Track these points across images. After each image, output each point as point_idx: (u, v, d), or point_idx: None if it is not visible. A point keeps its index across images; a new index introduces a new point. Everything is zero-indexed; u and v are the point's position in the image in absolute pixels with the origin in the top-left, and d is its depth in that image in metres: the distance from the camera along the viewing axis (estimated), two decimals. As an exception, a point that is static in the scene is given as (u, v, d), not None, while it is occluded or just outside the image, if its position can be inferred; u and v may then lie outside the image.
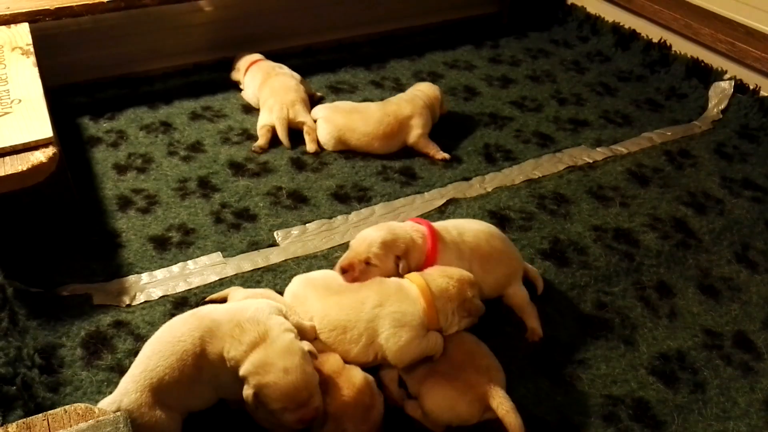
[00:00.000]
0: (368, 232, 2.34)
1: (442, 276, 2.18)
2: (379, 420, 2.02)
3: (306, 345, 1.98)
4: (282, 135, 3.43)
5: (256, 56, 3.87)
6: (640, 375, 2.32)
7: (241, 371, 1.90)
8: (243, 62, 3.85)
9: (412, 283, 2.18)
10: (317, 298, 2.22)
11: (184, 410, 2.01)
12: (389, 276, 2.26)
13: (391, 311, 2.11)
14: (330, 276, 2.33)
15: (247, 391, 1.89)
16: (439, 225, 2.44)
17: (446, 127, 3.60)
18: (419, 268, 2.31)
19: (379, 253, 2.26)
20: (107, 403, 1.91)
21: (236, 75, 3.89)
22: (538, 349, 2.39)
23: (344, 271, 2.26)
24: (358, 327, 2.12)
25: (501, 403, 2.01)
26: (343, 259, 2.29)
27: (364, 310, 2.13)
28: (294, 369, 1.89)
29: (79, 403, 1.74)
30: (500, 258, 2.47)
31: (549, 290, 2.63)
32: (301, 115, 3.46)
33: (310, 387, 1.91)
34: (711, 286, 2.69)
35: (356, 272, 2.25)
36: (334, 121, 3.36)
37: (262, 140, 3.42)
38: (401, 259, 2.29)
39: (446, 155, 3.38)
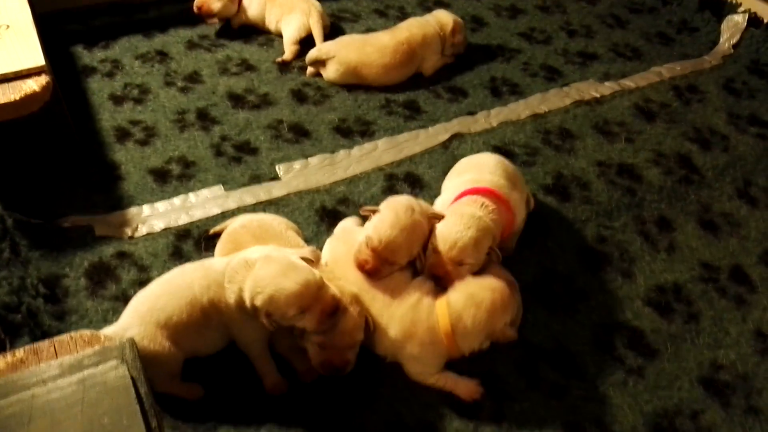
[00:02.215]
0: (453, 230, 2.28)
1: (470, 307, 2.17)
2: (346, 329, 2.11)
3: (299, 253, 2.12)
4: (321, 36, 3.66)
5: None
6: (636, 306, 2.50)
7: (247, 303, 2.02)
8: None
9: (439, 321, 2.19)
10: (355, 288, 2.26)
11: (190, 352, 2.14)
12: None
13: (412, 351, 2.19)
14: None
15: (262, 317, 2.02)
16: (494, 185, 2.44)
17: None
18: (506, 228, 2.41)
19: (473, 253, 2.28)
20: (108, 334, 2.01)
21: (215, 4, 3.72)
22: (538, 281, 2.56)
23: (437, 278, 2.29)
24: (382, 342, 2.23)
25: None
26: (434, 265, 2.30)
27: (387, 335, 2.21)
28: (289, 271, 2.02)
29: (85, 330, 1.82)
30: (520, 183, 2.59)
31: (550, 224, 2.78)
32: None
33: (312, 281, 2.02)
34: (711, 222, 2.84)
35: (450, 275, 2.27)
36: (347, 61, 3.41)
37: (289, 54, 3.62)
38: (493, 249, 2.33)
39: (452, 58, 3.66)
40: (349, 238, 2.42)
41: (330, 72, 3.46)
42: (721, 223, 2.85)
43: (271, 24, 3.81)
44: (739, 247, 2.75)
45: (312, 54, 3.50)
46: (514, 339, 2.26)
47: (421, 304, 2.22)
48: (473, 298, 2.18)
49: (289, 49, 3.66)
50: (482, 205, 2.34)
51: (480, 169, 2.55)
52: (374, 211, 2.33)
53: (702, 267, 2.66)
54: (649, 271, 2.63)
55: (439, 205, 2.54)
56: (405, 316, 2.21)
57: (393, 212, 2.29)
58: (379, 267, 2.25)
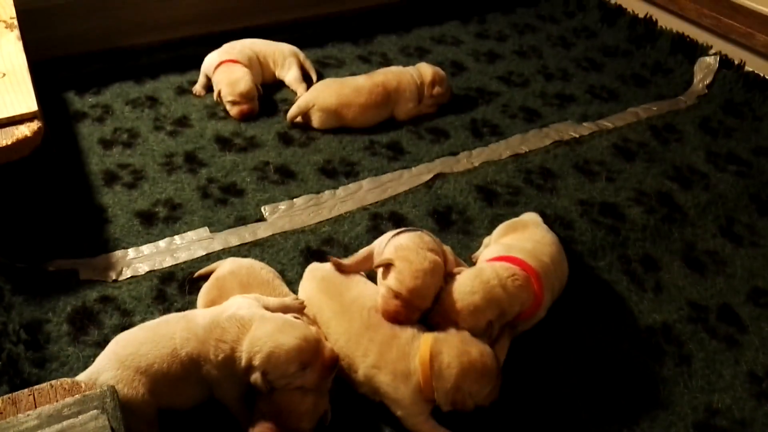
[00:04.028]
0: (459, 288, 2.11)
1: (451, 351, 1.96)
2: (297, 410, 1.91)
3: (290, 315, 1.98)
4: (313, 70, 3.73)
5: (230, 54, 3.57)
6: (625, 348, 2.31)
7: (243, 363, 1.87)
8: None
9: (419, 351, 1.99)
10: (333, 315, 2.11)
11: (166, 404, 1.97)
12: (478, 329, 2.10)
13: (384, 381, 1.99)
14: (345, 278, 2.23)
15: (255, 375, 1.86)
16: (533, 260, 2.24)
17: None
18: (520, 315, 2.20)
19: (468, 318, 2.08)
20: (82, 378, 1.89)
21: (252, 105, 3.41)
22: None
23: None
24: (358, 375, 2.03)
25: None
26: (433, 316, 2.13)
27: (364, 362, 2.01)
28: (287, 327, 1.89)
29: (66, 378, 1.72)
30: (560, 265, 2.38)
31: (535, 264, 2.60)
32: None
33: (310, 335, 1.90)
34: (696, 260, 2.68)
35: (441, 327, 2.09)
36: (327, 105, 3.28)
37: (302, 90, 3.53)
38: (494, 323, 2.11)
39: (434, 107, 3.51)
40: (317, 273, 2.27)
41: (315, 120, 3.32)
42: (707, 261, 2.68)
43: (269, 77, 3.71)
44: (726, 286, 2.57)
45: (292, 112, 3.33)
46: (468, 410, 2.01)
47: (403, 331, 2.03)
48: (462, 345, 1.98)
49: (300, 87, 3.56)
50: (512, 275, 2.16)
51: (539, 244, 2.34)
52: (389, 264, 2.12)
53: (690, 307, 2.48)
54: (637, 311, 2.45)
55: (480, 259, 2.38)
56: (384, 341, 2.01)
57: (409, 261, 2.09)
58: (410, 315, 2.07)
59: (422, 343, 1.99)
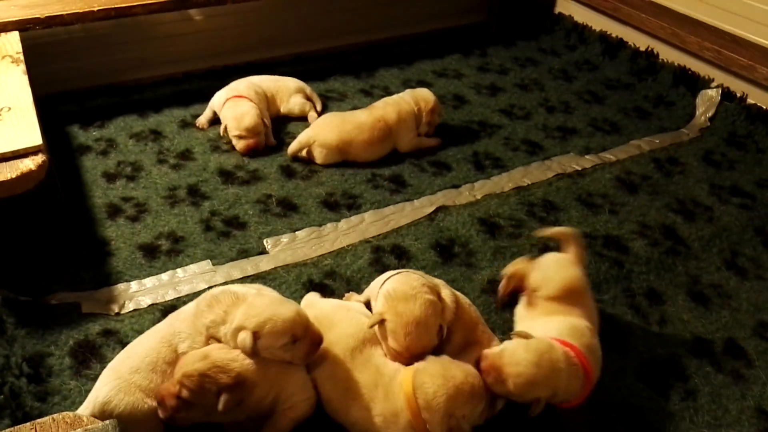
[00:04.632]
0: (523, 355, 1.98)
1: (435, 380, 1.92)
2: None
3: None
4: (318, 102, 3.80)
5: (237, 91, 3.57)
6: (631, 382, 2.28)
7: (234, 325, 1.91)
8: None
9: (401, 387, 1.95)
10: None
11: None
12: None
13: (375, 423, 1.95)
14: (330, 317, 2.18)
15: (244, 334, 1.88)
16: (592, 356, 2.12)
17: (435, 134, 3.54)
18: (560, 402, 2.10)
19: (521, 387, 1.98)
20: (82, 407, 1.92)
21: (258, 139, 3.38)
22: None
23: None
24: (350, 417, 2.00)
25: None
26: (487, 369, 2.01)
27: (354, 405, 1.98)
28: (283, 301, 1.99)
29: (68, 412, 1.70)
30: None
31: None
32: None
33: (303, 312, 1.99)
34: (701, 293, 2.66)
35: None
36: (328, 142, 3.27)
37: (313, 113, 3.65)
38: (541, 400, 2.01)
39: (438, 139, 3.52)
40: (309, 311, 2.19)
41: (317, 156, 3.31)
42: (711, 294, 2.66)
43: (275, 112, 3.72)
44: (732, 320, 2.55)
45: (292, 147, 3.33)
46: None
47: (386, 366, 2.03)
48: (445, 372, 1.95)
49: (311, 112, 3.66)
50: (576, 365, 2.05)
51: (593, 334, 2.21)
52: (382, 320, 2.07)
53: (695, 341, 2.45)
54: (641, 345, 2.42)
55: (539, 328, 2.18)
56: (370, 381, 1.99)
57: (398, 313, 2.05)
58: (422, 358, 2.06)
59: (403, 379, 1.97)
